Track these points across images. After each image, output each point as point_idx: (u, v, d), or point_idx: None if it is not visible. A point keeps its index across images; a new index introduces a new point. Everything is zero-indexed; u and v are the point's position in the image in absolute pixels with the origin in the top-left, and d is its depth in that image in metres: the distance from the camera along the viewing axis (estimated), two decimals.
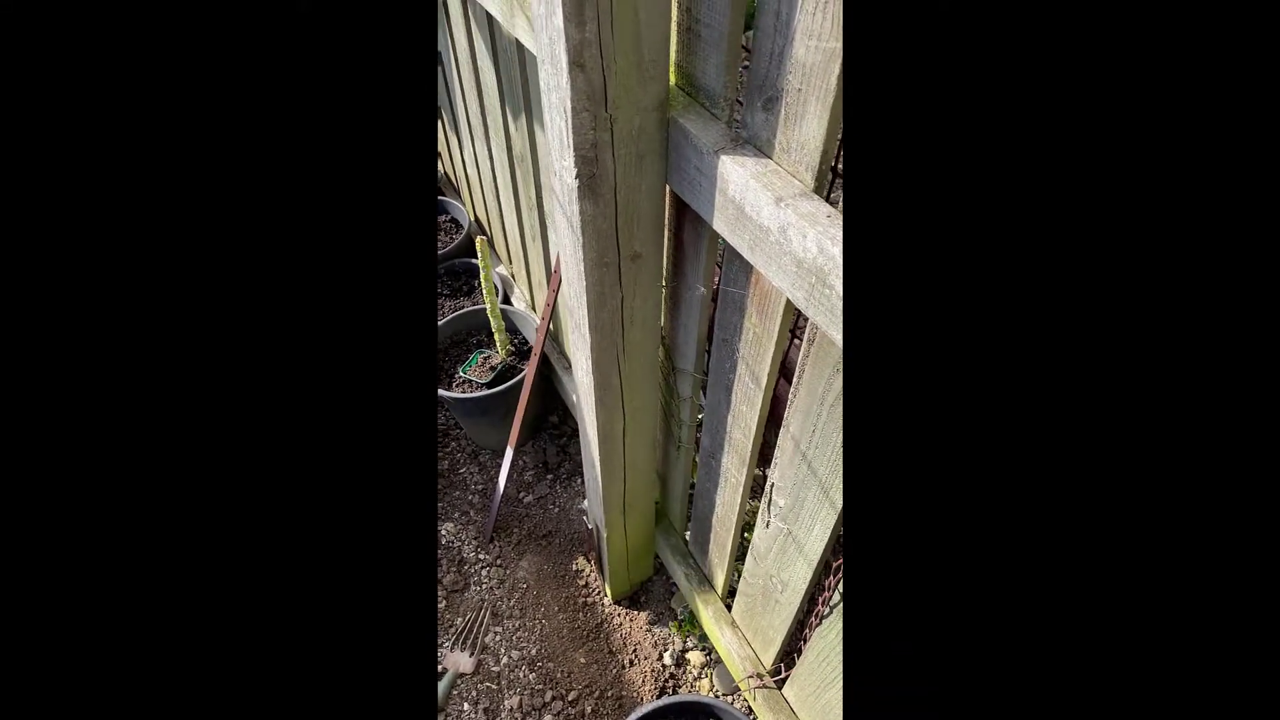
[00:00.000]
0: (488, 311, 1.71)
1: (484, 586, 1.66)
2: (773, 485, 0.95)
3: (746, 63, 0.73)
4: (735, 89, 0.72)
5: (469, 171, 2.04)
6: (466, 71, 1.62)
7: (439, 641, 1.57)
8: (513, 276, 2.01)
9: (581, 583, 1.66)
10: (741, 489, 1.10)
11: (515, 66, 1.30)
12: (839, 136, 0.62)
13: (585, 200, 0.76)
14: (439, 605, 1.63)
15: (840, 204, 0.62)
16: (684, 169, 0.76)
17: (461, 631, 1.59)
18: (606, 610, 1.61)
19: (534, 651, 1.55)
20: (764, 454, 1.03)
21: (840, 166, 0.68)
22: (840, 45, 0.54)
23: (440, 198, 2.27)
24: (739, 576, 1.24)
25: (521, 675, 1.51)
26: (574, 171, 0.73)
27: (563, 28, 0.62)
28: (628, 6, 0.63)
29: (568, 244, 0.86)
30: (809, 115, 0.61)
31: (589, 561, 1.69)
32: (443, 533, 1.75)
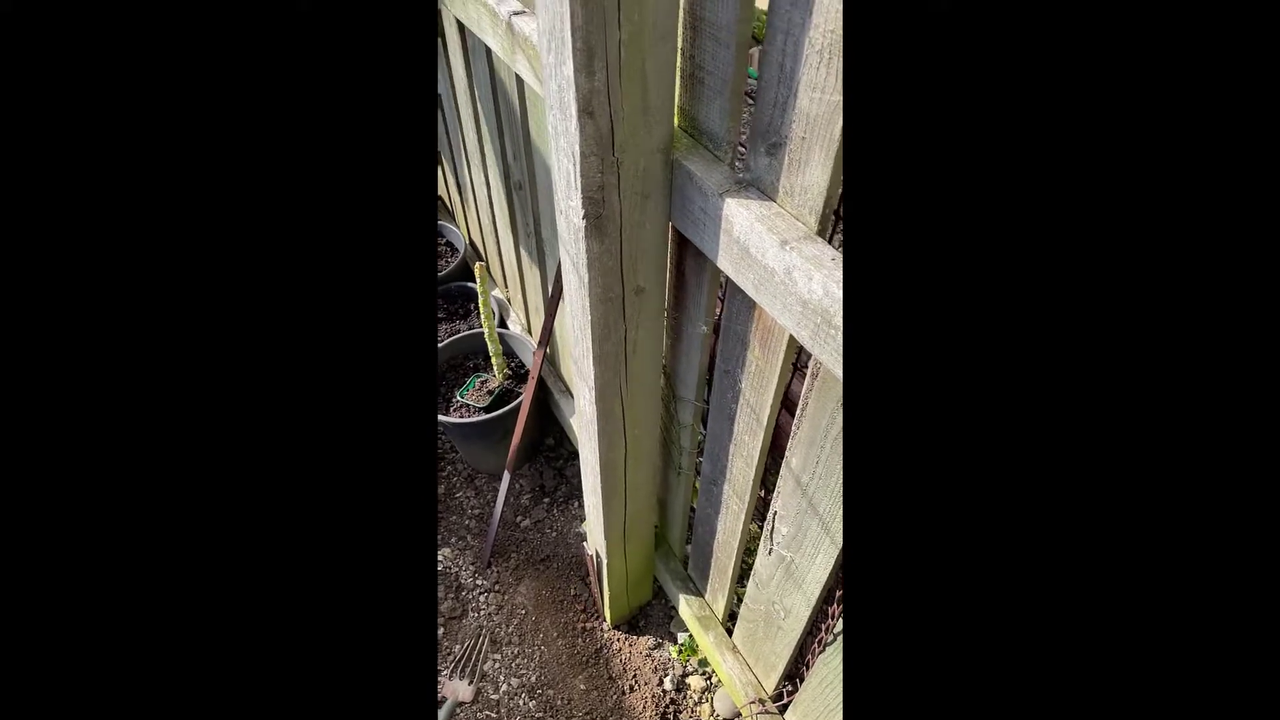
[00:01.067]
0: (486, 336, 1.72)
1: (482, 613, 1.65)
2: (775, 514, 0.96)
3: (750, 98, 0.75)
4: (738, 132, 0.74)
5: (464, 196, 2.05)
6: (464, 99, 1.64)
7: (437, 669, 1.56)
8: (509, 300, 2.02)
9: (580, 607, 1.65)
10: (743, 516, 1.11)
11: (514, 98, 1.32)
12: (841, 182, 0.64)
13: (591, 239, 0.78)
14: (437, 632, 1.62)
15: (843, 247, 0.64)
16: (688, 209, 0.78)
17: (460, 659, 1.58)
18: (606, 635, 1.60)
19: (533, 678, 1.54)
20: (766, 479, 1.05)
21: (842, 210, 0.70)
22: (843, 98, 0.56)
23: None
24: (739, 601, 1.25)
25: (521, 703, 1.50)
26: (581, 212, 0.75)
27: (573, 78, 0.64)
28: (636, 57, 0.65)
29: (572, 280, 0.87)
30: (813, 162, 0.63)
31: (588, 586, 1.69)
32: (440, 558, 1.74)
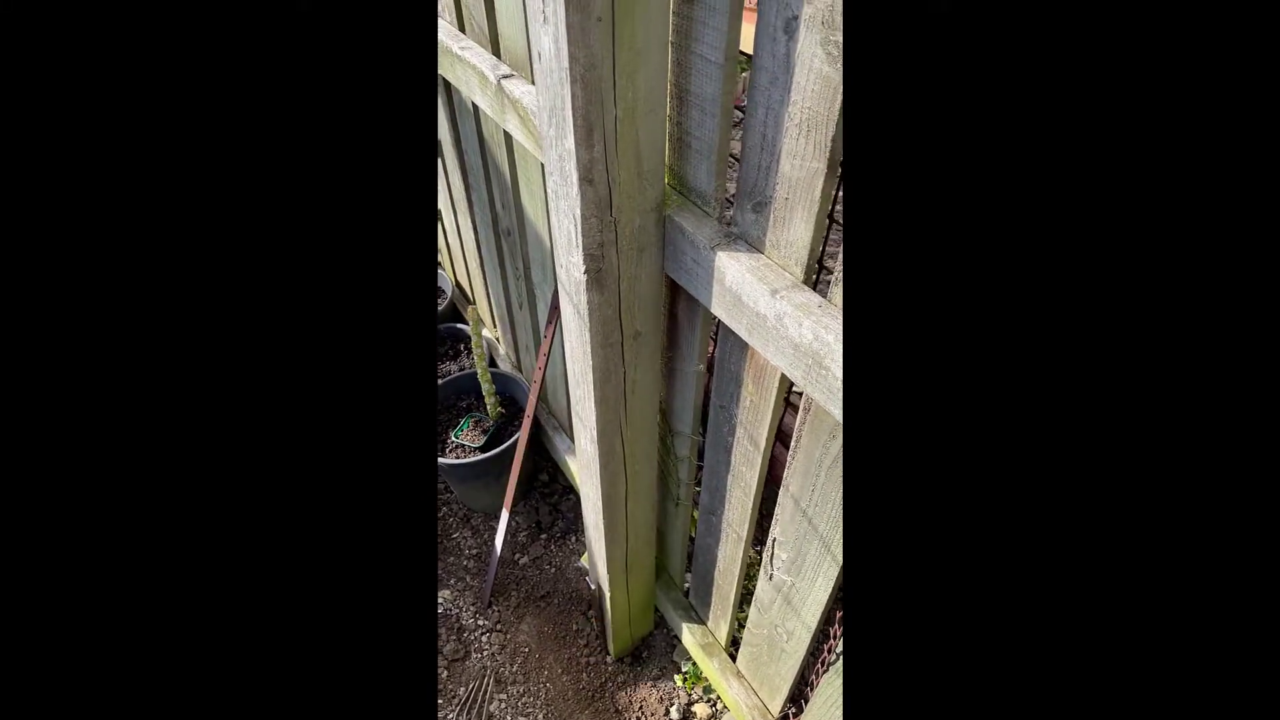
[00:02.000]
0: (479, 376, 1.75)
1: (485, 653, 1.66)
2: (774, 540, 1.01)
3: (734, 158, 0.81)
4: (724, 190, 0.80)
5: (450, 240, 2.10)
6: (450, 151, 1.69)
7: (443, 714, 1.56)
8: (497, 339, 2.06)
9: (583, 642, 1.67)
10: (743, 543, 1.15)
11: (502, 152, 1.38)
12: (824, 236, 0.70)
13: (592, 291, 0.83)
14: (440, 675, 1.62)
15: (828, 294, 0.70)
16: (681, 260, 0.84)
17: (465, 701, 1.58)
18: (610, 668, 1.62)
19: (540, 717, 1.55)
20: (763, 507, 1.09)
21: (824, 259, 0.75)
22: (823, 165, 0.63)
23: None
24: (741, 626, 1.29)
25: None
26: (582, 267, 0.80)
27: (574, 150, 0.70)
28: (630, 129, 0.71)
29: (574, 328, 0.92)
30: (796, 220, 0.69)
31: (589, 620, 1.71)
32: (440, 600, 1.75)
